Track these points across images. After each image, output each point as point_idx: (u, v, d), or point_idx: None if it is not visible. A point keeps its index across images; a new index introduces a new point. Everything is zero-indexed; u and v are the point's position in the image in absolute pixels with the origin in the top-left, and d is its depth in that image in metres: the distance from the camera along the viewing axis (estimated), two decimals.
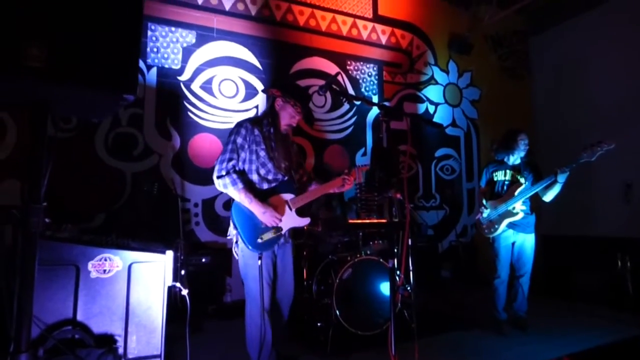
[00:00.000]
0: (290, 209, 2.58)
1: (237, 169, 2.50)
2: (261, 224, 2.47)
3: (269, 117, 2.64)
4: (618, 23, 5.75)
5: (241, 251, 2.50)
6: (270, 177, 2.57)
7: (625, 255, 4.69)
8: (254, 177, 2.54)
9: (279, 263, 2.62)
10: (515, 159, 3.71)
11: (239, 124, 2.58)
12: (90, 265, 2.02)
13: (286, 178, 2.61)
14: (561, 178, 3.30)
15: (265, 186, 2.55)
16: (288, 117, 2.63)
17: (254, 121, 2.62)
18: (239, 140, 2.51)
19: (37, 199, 1.30)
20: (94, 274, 2.03)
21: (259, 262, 2.42)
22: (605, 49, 5.89)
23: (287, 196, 2.59)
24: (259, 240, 2.44)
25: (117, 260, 2.11)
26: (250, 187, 2.49)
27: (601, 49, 5.94)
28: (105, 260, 2.07)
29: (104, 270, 2.06)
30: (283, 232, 2.54)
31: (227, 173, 2.45)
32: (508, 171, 3.71)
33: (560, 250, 5.79)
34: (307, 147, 5.10)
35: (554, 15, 6.64)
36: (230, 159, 2.48)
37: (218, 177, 2.47)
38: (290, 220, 2.58)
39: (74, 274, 1.98)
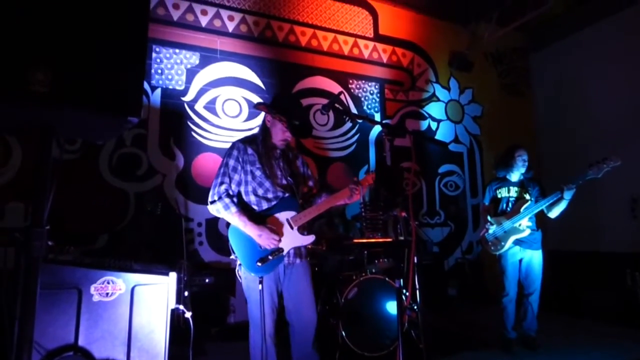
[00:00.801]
0: (292, 228, 2.44)
1: (230, 192, 2.43)
2: (259, 246, 2.36)
3: (262, 135, 2.55)
4: (616, 39, 5.80)
5: (243, 274, 2.41)
6: (269, 195, 2.46)
7: (635, 271, 4.61)
8: (252, 198, 2.46)
9: (287, 286, 2.46)
10: (517, 175, 3.70)
11: (232, 145, 2.52)
12: (92, 288, 2.00)
13: (287, 195, 2.48)
14: (567, 195, 3.27)
15: (264, 206, 2.45)
16: (280, 132, 2.50)
17: (247, 140, 2.55)
18: (231, 162, 2.46)
19: (40, 222, 1.28)
20: (96, 298, 2.01)
21: (260, 286, 2.31)
22: (604, 65, 5.93)
23: (289, 214, 2.45)
24: (258, 264, 2.33)
25: (120, 282, 2.08)
26: (245, 210, 2.41)
27: (600, 64, 5.98)
28: (108, 283, 2.04)
29: (107, 294, 2.03)
30: (284, 252, 2.41)
31: (219, 198, 2.39)
32: (512, 188, 3.69)
33: (568, 266, 5.70)
34: (310, 165, 5.09)
35: (553, 32, 6.71)
36: (222, 183, 2.42)
37: (211, 203, 2.41)
38: (292, 239, 2.44)
39: (75, 297, 1.95)
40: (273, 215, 2.44)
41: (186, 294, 3.60)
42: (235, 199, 2.42)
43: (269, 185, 2.46)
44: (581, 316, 4.78)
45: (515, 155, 3.64)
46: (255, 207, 2.45)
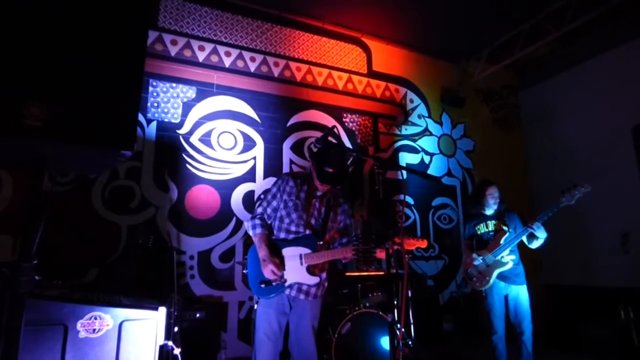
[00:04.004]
0: (301, 264, 2.52)
1: (265, 216, 2.67)
2: None
3: (307, 174, 2.77)
4: (600, 78, 6.03)
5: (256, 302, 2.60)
6: (292, 228, 2.61)
7: (627, 305, 4.58)
8: (275, 224, 2.65)
9: (292, 318, 2.56)
10: (490, 210, 3.71)
11: (280, 176, 2.78)
12: (79, 324, 1.95)
13: (308, 232, 2.59)
14: (539, 233, 3.34)
15: (282, 235, 2.61)
16: (316, 177, 2.67)
17: (293, 174, 2.78)
18: (274, 189, 2.70)
19: (28, 257, 1.27)
20: (82, 334, 1.95)
21: (255, 305, 2.50)
22: (590, 101, 6.12)
23: (304, 250, 2.55)
24: (262, 285, 2.47)
25: (108, 318, 2.03)
26: (268, 235, 2.60)
27: (586, 101, 6.17)
28: (95, 318, 1.99)
29: (94, 330, 1.98)
30: (287, 283, 2.49)
31: (253, 217, 2.65)
32: (490, 222, 3.70)
33: (564, 301, 5.66)
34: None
35: (541, 70, 6.93)
36: (260, 206, 2.70)
37: (249, 220, 2.67)
38: (297, 274, 2.52)
39: (61, 334, 1.90)
40: (289, 247, 2.57)
41: (176, 329, 3.50)
42: (265, 222, 2.64)
43: (295, 217, 2.61)
44: (578, 352, 4.70)
45: (485, 193, 3.68)
46: (275, 233, 2.64)
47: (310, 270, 2.54)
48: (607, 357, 4.38)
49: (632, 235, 5.41)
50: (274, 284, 2.46)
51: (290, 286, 2.52)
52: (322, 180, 2.57)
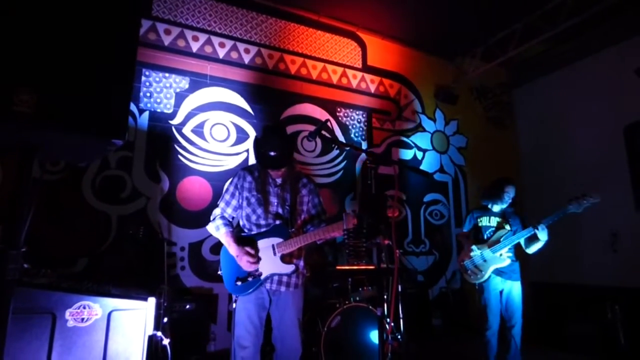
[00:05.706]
0: (275, 254, 2.50)
1: (225, 214, 2.62)
2: (240, 267, 2.47)
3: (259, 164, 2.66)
4: (594, 77, 6.06)
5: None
6: (261, 222, 2.57)
7: (614, 304, 4.65)
8: (245, 223, 2.61)
9: (274, 312, 2.54)
10: (499, 207, 3.76)
11: (235, 172, 2.71)
12: (67, 313, 1.94)
13: (279, 222, 2.55)
14: (542, 236, 3.35)
15: (254, 231, 2.57)
16: None
17: (250, 169, 2.70)
18: (231, 188, 2.64)
19: (16, 244, 1.26)
20: (71, 323, 1.94)
21: (233, 305, 2.47)
22: (583, 101, 6.16)
23: (276, 240, 2.51)
24: (238, 283, 2.45)
25: (97, 307, 2.03)
26: (235, 232, 2.57)
27: (580, 100, 6.21)
28: (84, 308, 1.99)
29: (82, 319, 1.98)
30: (263, 276, 2.47)
31: (214, 219, 2.60)
32: (493, 218, 3.74)
33: (552, 298, 5.73)
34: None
35: (535, 69, 6.96)
36: (220, 205, 2.64)
37: (209, 222, 2.62)
38: (272, 265, 2.49)
39: (49, 322, 1.89)
40: (261, 239, 2.53)
41: (165, 320, 3.50)
42: (227, 221, 2.60)
43: (261, 212, 2.58)
44: (565, 349, 4.76)
45: (504, 190, 3.71)
46: (246, 231, 2.60)
47: (285, 259, 2.52)
48: (593, 355, 4.44)
49: (621, 234, 5.48)
50: (249, 279, 2.43)
51: (269, 279, 2.49)
52: (265, 165, 2.55)
